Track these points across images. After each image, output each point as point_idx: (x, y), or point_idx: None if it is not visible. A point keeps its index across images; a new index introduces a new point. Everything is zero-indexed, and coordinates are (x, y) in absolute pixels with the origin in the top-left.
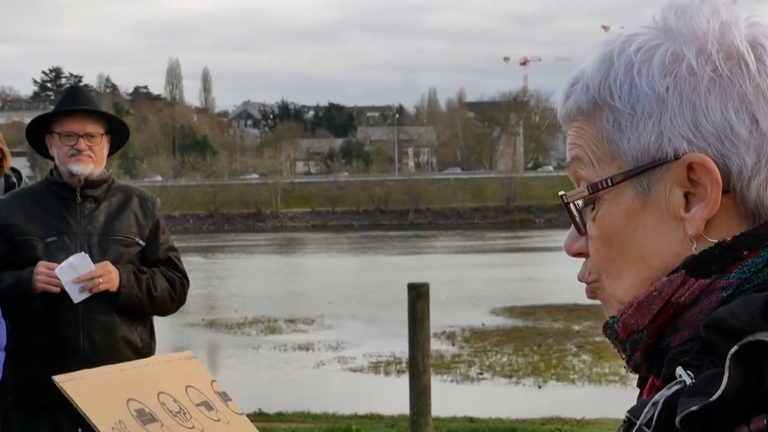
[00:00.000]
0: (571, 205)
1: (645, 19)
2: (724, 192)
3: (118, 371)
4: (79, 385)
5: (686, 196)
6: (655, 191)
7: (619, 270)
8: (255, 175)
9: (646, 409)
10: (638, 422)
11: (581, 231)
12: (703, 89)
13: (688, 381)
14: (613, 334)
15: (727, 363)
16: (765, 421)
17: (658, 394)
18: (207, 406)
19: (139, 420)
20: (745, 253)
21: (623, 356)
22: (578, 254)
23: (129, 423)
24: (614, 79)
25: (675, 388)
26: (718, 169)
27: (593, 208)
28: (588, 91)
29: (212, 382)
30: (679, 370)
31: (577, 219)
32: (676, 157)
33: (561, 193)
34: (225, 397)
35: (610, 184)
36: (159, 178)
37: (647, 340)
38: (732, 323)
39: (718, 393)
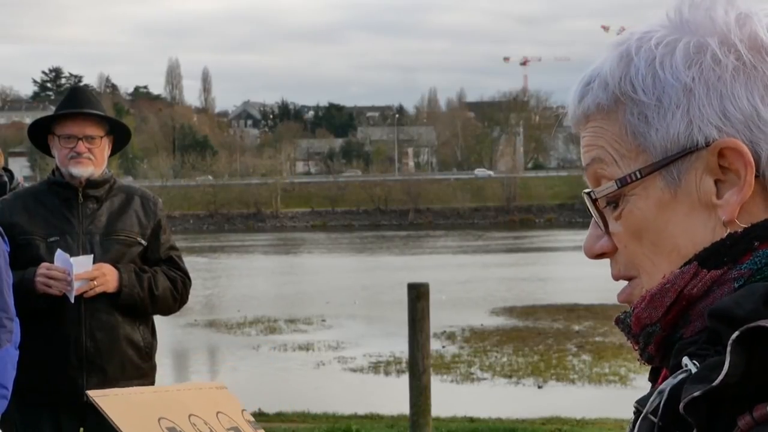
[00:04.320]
0: (599, 203)
1: (656, 18)
2: (755, 177)
3: (150, 392)
4: (113, 401)
5: (716, 183)
6: (685, 180)
7: (653, 263)
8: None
9: (652, 398)
10: (644, 410)
11: (607, 229)
12: (728, 78)
13: (694, 369)
14: (626, 329)
15: (728, 349)
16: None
17: (665, 382)
18: (237, 431)
19: None
20: (756, 243)
21: (636, 348)
22: (600, 255)
23: None
24: (635, 73)
25: (681, 376)
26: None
27: (616, 207)
28: (607, 88)
29: (242, 411)
30: (685, 360)
31: (603, 217)
32: (707, 144)
33: (586, 190)
34: (255, 425)
35: (639, 176)
36: (159, 179)
37: (661, 332)
38: (736, 312)
39: (720, 378)
